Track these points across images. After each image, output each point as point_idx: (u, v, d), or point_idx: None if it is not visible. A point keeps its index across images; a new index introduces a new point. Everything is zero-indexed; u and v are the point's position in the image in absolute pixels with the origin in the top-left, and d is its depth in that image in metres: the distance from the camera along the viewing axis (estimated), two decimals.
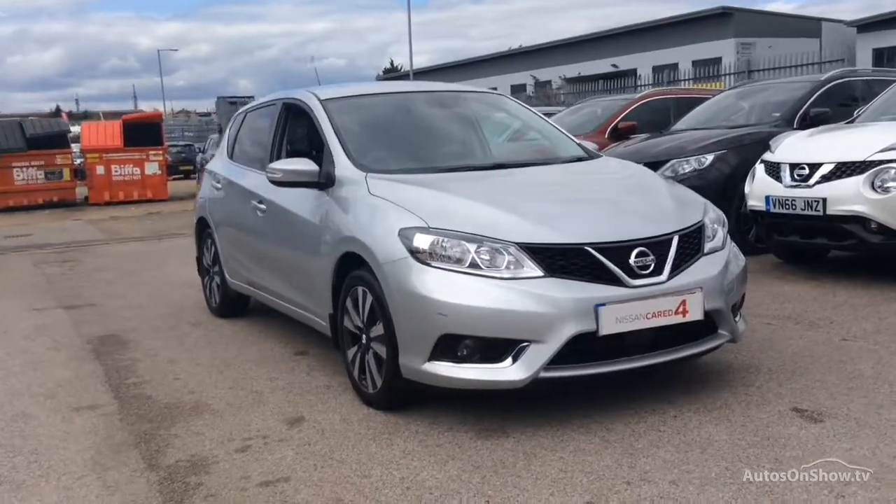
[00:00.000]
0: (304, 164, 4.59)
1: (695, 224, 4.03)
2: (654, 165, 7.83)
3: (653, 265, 3.74)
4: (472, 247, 3.65)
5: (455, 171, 4.61)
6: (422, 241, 3.72)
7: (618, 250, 3.71)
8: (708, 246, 4.05)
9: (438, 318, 3.62)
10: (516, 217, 3.85)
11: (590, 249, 3.67)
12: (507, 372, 3.60)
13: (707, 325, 3.97)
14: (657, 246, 3.80)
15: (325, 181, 4.52)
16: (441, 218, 3.83)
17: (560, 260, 3.66)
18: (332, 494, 3.24)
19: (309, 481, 3.36)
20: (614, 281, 3.66)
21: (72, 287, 8.55)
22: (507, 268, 3.62)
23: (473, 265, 3.61)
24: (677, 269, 3.82)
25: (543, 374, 3.60)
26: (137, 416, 4.30)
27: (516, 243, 3.66)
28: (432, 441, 3.70)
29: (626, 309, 3.63)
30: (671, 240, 3.85)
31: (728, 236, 4.32)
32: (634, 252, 3.72)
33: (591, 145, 5.33)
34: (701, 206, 4.26)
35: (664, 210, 4.11)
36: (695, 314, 3.79)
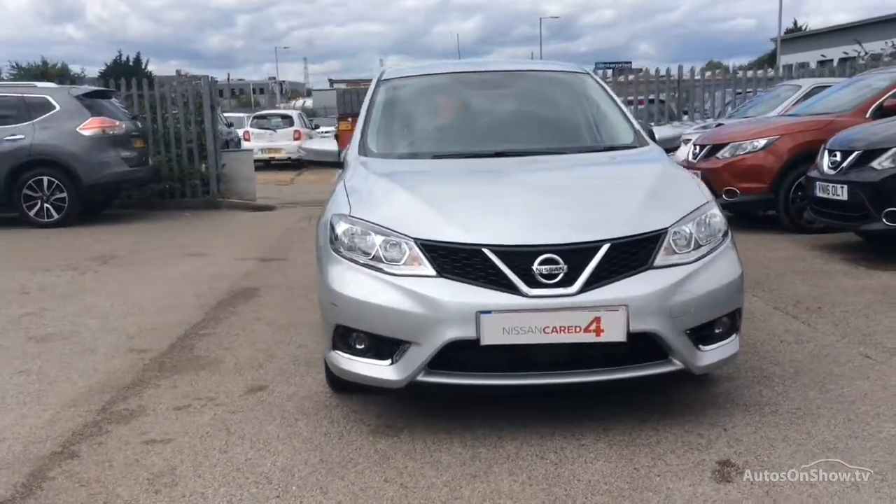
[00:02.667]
0: (326, 145, 4.71)
1: (644, 233, 3.47)
2: (872, 155, 6.75)
3: (562, 275, 3.33)
4: (378, 239, 3.54)
5: (453, 157, 4.44)
6: (340, 228, 3.69)
7: (521, 255, 3.36)
8: (666, 259, 3.48)
9: (332, 308, 3.60)
10: (433, 211, 3.63)
11: (487, 252, 3.36)
12: (386, 371, 3.48)
13: (655, 351, 3.45)
14: (574, 254, 3.36)
15: (342, 162, 4.60)
16: (366, 207, 3.76)
17: (454, 260, 3.41)
18: (176, 459, 3.43)
19: (187, 448, 3.57)
20: (510, 288, 3.32)
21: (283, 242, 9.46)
22: (406, 264, 3.47)
23: (377, 258, 3.51)
24: (599, 281, 3.34)
25: (422, 379, 3.42)
26: (164, 363, 4.81)
27: (415, 239, 3.48)
28: (325, 428, 3.72)
29: (517, 319, 3.29)
30: (597, 248, 3.38)
31: (722, 248, 3.65)
32: (539, 259, 3.33)
33: (668, 131, 4.77)
34: (682, 212, 3.63)
35: (615, 214, 3.58)
36: (613, 335, 3.31)
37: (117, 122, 11.45)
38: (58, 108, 11.12)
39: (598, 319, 3.30)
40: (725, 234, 3.75)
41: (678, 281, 3.44)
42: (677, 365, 3.47)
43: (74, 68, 19.47)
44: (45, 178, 10.97)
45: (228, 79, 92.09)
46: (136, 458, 3.45)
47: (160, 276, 7.45)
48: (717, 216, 3.76)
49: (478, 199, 3.85)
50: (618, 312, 3.30)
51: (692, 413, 3.74)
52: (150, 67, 50.36)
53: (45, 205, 11.04)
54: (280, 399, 4.09)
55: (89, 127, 11.07)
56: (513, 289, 3.32)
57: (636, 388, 3.91)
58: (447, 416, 3.74)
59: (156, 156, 13.09)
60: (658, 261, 3.46)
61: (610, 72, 16.32)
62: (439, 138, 4.82)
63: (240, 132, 24.30)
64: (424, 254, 3.44)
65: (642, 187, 3.87)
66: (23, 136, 10.92)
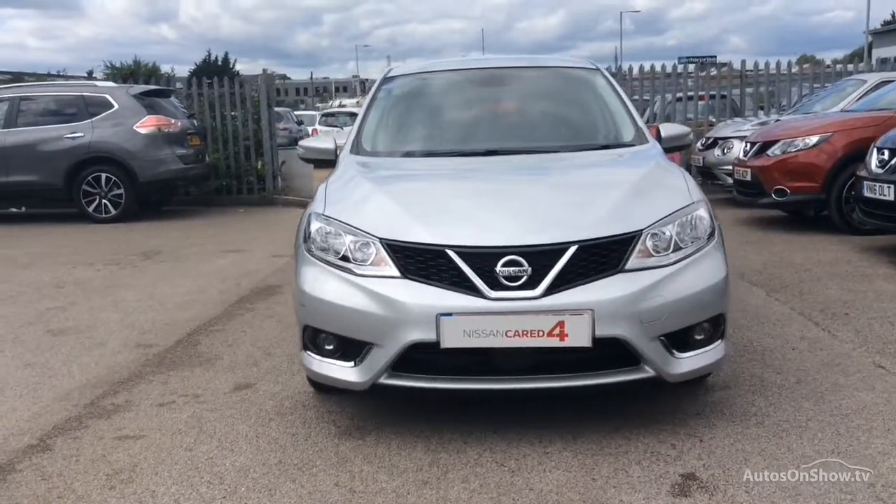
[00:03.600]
0: (323, 143, 4.69)
1: (615, 235, 3.34)
2: None
3: (525, 277, 3.23)
4: (348, 239, 3.50)
5: (443, 155, 4.38)
6: (313, 227, 3.67)
7: (483, 257, 3.27)
8: (640, 262, 3.34)
9: (301, 308, 3.58)
10: (401, 212, 3.57)
11: (450, 252, 3.29)
12: (350, 373, 3.44)
13: (626, 357, 3.33)
14: (539, 256, 3.25)
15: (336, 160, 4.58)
16: (341, 206, 3.72)
17: (418, 261, 3.34)
18: (141, 456, 3.45)
19: (155, 445, 3.59)
20: (473, 290, 3.24)
21: None
22: (373, 264, 3.42)
23: (346, 258, 3.47)
24: (565, 284, 3.23)
25: (385, 381, 3.37)
26: (165, 359, 4.87)
27: (381, 239, 3.43)
28: (294, 428, 3.71)
29: (479, 322, 3.20)
30: (563, 250, 3.26)
31: (705, 251, 3.49)
32: (502, 261, 3.24)
33: (674, 129, 4.62)
34: (661, 213, 3.47)
35: (588, 216, 3.45)
36: (577, 339, 3.20)
37: (173, 121, 11.71)
38: (116, 106, 11.43)
39: (561, 324, 3.19)
40: (711, 236, 3.59)
41: (650, 285, 3.30)
42: (648, 372, 3.33)
43: (165, 68, 19.97)
44: (104, 175, 11.30)
45: (311, 77, 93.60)
46: (104, 454, 3.49)
47: (193, 272, 7.57)
48: (703, 217, 3.60)
49: (449, 199, 3.77)
50: (583, 317, 3.19)
51: (672, 422, 3.59)
52: (238, 66, 51.62)
53: (103, 201, 11.36)
54: (262, 398, 4.09)
55: (146, 125, 11.34)
56: (475, 291, 3.23)
57: (610, 395, 3.78)
58: (419, 418, 3.68)
59: (214, 153, 13.34)
60: (630, 264, 3.33)
61: (692, 66, 15.78)
62: (433, 136, 4.75)
63: (309, 129, 24.60)
64: (389, 254, 3.38)
65: (624, 187, 3.72)
66: (82, 134, 11.26)
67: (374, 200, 3.74)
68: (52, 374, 4.59)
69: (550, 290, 3.22)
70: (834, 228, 8.46)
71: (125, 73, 16.41)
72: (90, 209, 11.36)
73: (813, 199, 8.58)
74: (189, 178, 12.25)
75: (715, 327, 3.51)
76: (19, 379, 4.53)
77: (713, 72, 15.13)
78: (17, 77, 41.28)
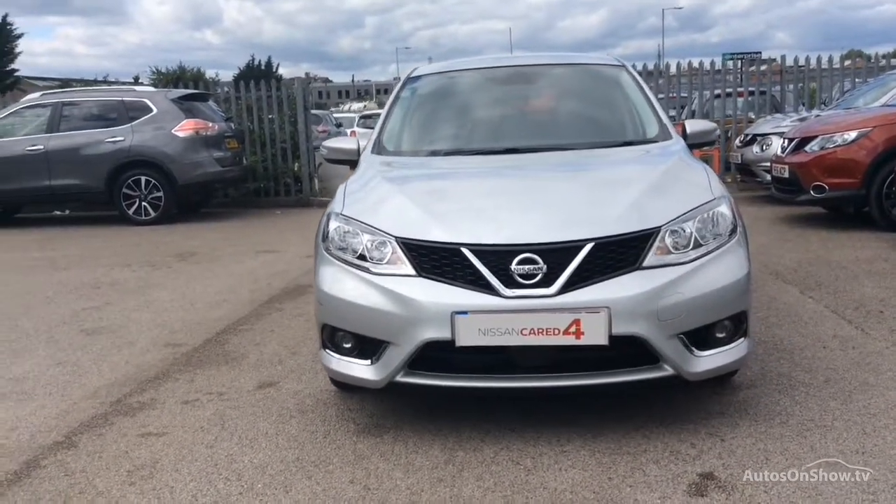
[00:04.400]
0: (346, 143, 4.71)
1: (633, 232, 3.30)
2: None
3: (541, 275, 3.21)
4: (366, 238, 3.51)
5: (464, 153, 4.38)
6: (332, 226, 3.69)
7: (499, 255, 3.25)
8: (659, 259, 3.30)
9: (320, 307, 3.60)
10: (418, 210, 3.57)
11: (465, 251, 3.28)
12: (367, 371, 3.45)
13: (645, 355, 3.29)
14: (555, 254, 3.23)
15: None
16: (359, 205, 3.73)
17: (433, 259, 3.34)
18: (162, 453, 3.49)
19: (177, 442, 3.64)
20: (488, 288, 3.23)
21: None
22: (389, 263, 3.42)
23: (363, 257, 3.48)
24: (581, 282, 3.20)
25: (401, 379, 3.37)
26: (192, 358, 4.92)
27: (396, 238, 3.43)
28: (314, 426, 3.72)
29: (494, 321, 3.19)
30: (579, 248, 3.23)
31: (726, 247, 3.44)
32: (517, 258, 3.22)
33: (700, 125, 4.55)
34: (681, 210, 3.42)
35: (605, 213, 3.41)
36: (593, 337, 3.17)
37: (210, 124, 11.85)
38: (155, 110, 11.60)
39: (577, 322, 3.17)
40: (733, 233, 3.53)
41: (668, 282, 3.26)
42: (668, 371, 3.29)
43: (209, 72, 20.24)
44: (143, 178, 11.47)
45: (353, 80, 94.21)
46: (127, 451, 3.54)
47: (226, 273, 7.65)
48: (724, 214, 3.54)
49: (465, 198, 3.77)
50: (599, 315, 3.16)
51: (694, 421, 3.54)
52: (281, 70, 52.12)
53: (143, 203, 11.54)
54: (285, 396, 4.11)
55: (184, 129, 11.50)
56: (490, 289, 3.22)
57: (632, 394, 3.72)
58: (438, 416, 3.68)
59: (252, 156, 13.47)
60: (648, 261, 3.29)
61: (738, 62, 15.52)
62: (454, 135, 4.74)
63: (348, 132, 24.71)
64: (405, 253, 3.38)
65: (644, 184, 3.68)
66: (122, 138, 11.45)
67: (390, 199, 3.75)
68: (82, 373, 4.67)
69: (566, 288, 3.20)
70: (874, 225, 8.29)
71: (170, 79, 16.66)
72: (130, 212, 11.54)
73: (852, 196, 8.40)
74: (226, 180, 12.38)
75: (737, 325, 3.46)
76: (50, 377, 4.61)
77: (762, 67, 14.84)
78: (64, 83, 42.01)
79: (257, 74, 36.56)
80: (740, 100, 13.69)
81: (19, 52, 51.78)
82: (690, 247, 3.38)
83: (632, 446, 3.32)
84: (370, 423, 3.69)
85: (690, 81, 14.01)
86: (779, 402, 3.72)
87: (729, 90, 13.68)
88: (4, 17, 51.29)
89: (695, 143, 4.57)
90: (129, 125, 11.54)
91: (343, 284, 3.48)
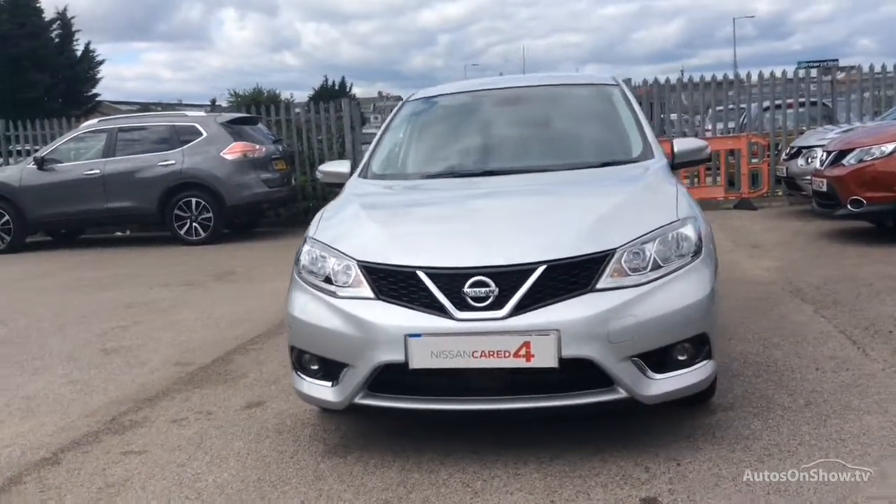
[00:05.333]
0: (339, 167, 4.82)
1: (586, 255, 3.31)
2: None
3: (493, 297, 3.25)
4: (332, 261, 3.61)
5: (443, 176, 4.45)
6: (303, 250, 3.80)
7: (452, 278, 3.31)
8: (614, 281, 3.30)
9: (289, 329, 3.71)
10: (380, 234, 3.67)
11: (420, 274, 3.35)
12: (328, 392, 3.54)
13: (600, 378, 3.30)
14: (507, 277, 3.27)
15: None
16: (329, 229, 3.85)
17: (391, 282, 3.41)
18: (136, 471, 3.64)
19: (153, 460, 3.77)
20: (441, 311, 3.29)
21: None
22: (352, 286, 3.52)
23: (329, 280, 3.58)
24: (533, 305, 3.24)
25: (360, 401, 3.45)
26: (195, 377, 5.09)
27: (358, 261, 3.52)
28: (285, 446, 3.82)
29: (445, 343, 3.25)
30: (531, 271, 3.27)
31: (687, 269, 3.42)
32: (469, 281, 3.27)
33: (688, 144, 4.54)
34: (640, 231, 3.42)
35: (561, 235, 3.43)
36: (543, 360, 3.20)
37: (258, 146, 12.17)
38: (205, 134, 11.97)
39: (527, 344, 3.20)
40: (696, 254, 3.51)
41: (621, 304, 3.26)
42: (622, 394, 3.28)
43: (285, 94, 20.82)
44: (194, 200, 11.83)
45: None
46: (104, 468, 3.69)
47: (257, 292, 7.84)
48: (687, 235, 3.53)
49: (427, 221, 3.85)
50: (549, 337, 3.18)
51: (657, 444, 3.51)
52: (356, 89, 52.91)
53: (194, 224, 11.89)
54: (268, 415, 4.22)
55: (232, 151, 11.83)
56: (443, 312, 3.27)
57: (588, 417, 3.70)
58: (407, 437, 3.73)
59: (301, 176, 13.76)
60: (602, 283, 3.30)
61: (814, 71, 15.20)
62: (437, 158, 4.83)
63: None
64: (366, 276, 3.46)
65: (607, 206, 3.70)
66: (174, 162, 11.85)
67: (358, 223, 3.84)
68: (89, 391, 4.87)
69: (517, 311, 3.23)
70: None
71: (247, 101, 17.10)
72: (181, 232, 11.91)
73: (890, 210, 8.17)
74: (274, 200, 12.66)
75: (698, 347, 3.43)
76: (59, 395, 4.82)
77: (839, 75, 14.44)
78: (143, 108, 43.30)
79: (331, 94, 37.21)
80: (791, 111, 13.38)
81: (101, 78, 53.77)
82: (649, 268, 3.37)
83: (586, 469, 3.32)
84: (339, 444, 3.77)
85: (761, 92, 13.59)
86: (750, 426, 3.66)
87: (778, 102, 13.37)
88: (87, 45, 53.34)
89: (684, 162, 4.54)
90: (180, 149, 11.93)
91: (309, 308, 3.58)
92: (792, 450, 3.39)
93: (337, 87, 51.41)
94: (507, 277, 3.26)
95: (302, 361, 3.66)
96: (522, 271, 3.27)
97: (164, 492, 3.39)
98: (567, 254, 3.32)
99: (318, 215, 4.10)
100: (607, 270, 3.31)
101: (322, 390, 3.57)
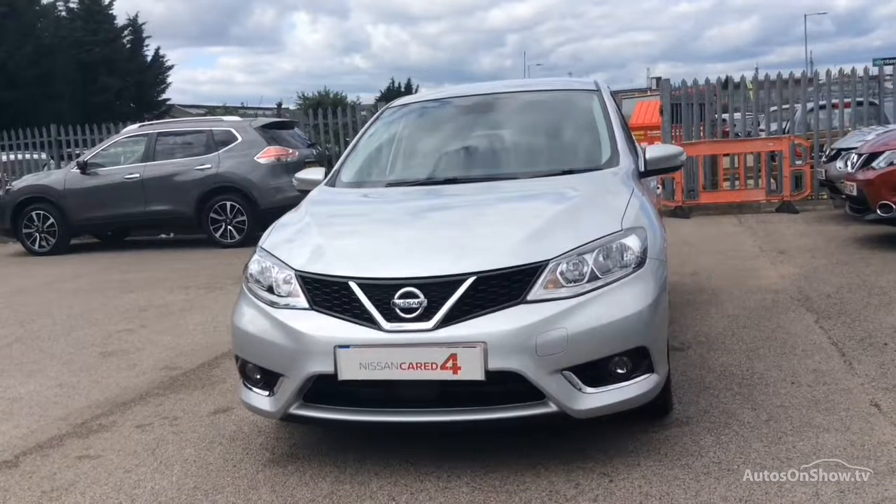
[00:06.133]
0: (313, 175, 4.83)
1: (518, 266, 3.25)
2: None
3: (421, 309, 3.22)
4: (275, 271, 3.62)
5: (403, 184, 4.42)
6: (252, 260, 3.82)
7: (382, 289, 3.29)
8: (546, 293, 3.23)
9: (234, 339, 3.73)
10: (320, 243, 3.67)
11: (352, 284, 3.34)
12: (265, 402, 3.55)
13: (532, 391, 3.24)
14: (435, 288, 3.23)
15: None
16: (277, 239, 3.87)
17: (325, 293, 3.41)
18: (83, 476, 3.69)
19: (104, 465, 3.83)
20: (371, 322, 3.27)
21: None
22: (290, 296, 3.52)
23: (271, 290, 3.59)
24: (461, 316, 3.19)
25: (294, 411, 3.45)
26: (177, 381, 5.14)
27: (296, 271, 3.52)
28: (233, 454, 3.84)
29: (373, 355, 3.23)
30: (460, 282, 3.22)
31: (626, 280, 3.34)
32: (399, 292, 3.25)
33: (659, 151, 4.42)
34: (578, 242, 3.34)
35: (495, 246, 3.38)
36: (470, 373, 3.15)
37: (291, 151, 12.30)
38: (240, 139, 12.16)
39: (454, 356, 3.16)
40: (639, 266, 3.41)
41: (550, 317, 3.19)
42: (552, 408, 3.21)
43: (352, 96, 21.22)
44: (228, 203, 12.01)
45: None
46: (56, 472, 3.76)
47: None
48: (629, 246, 3.43)
49: (367, 231, 3.86)
50: (475, 350, 3.13)
51: (596, 459, 3.43)
52: (422, 91, 53.28)
53: (228, 227, 12.08)
54: (230, 422, 4.25)
55: (265, 156, 11.99)
56: (372, 323, 3.25)
57: (518, 430, 3.63)
58: (352, 449, 3.71)
59: None
60: (534, 295, 3.23)
61: (889, 68, 14.65)
62: (400, 166, 4.81)
63: None
64: (302, 286, 3.46)
65: (550, 215, 3.64)
66: (210, 166, 12.06)
67: (303, 233, 3.84)
68: (73, 394, 4.97)
69: (445, 323, 3.19)
70: None
71: (314, 103, 17.33)
72: (217, 235, 12.11)
73: None
74: None
75: (636, 361, 3.33)
76: (43, 398, 4.94)
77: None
78: (210, 111, 44.17)
79: (397, 97, 37.50)
80: (839, 111, 12.94)
81: (170, 82, 55.14)
82: (586, 280, 3.30)
83: (516, 484, 3.25)
84: (285, 453, 3.76)
85: (842, 89, 13.09)
86: (699, 442, 3.54)
87: (823, 102, 12.95)
88: (157, 50, 54.68)
89: (656, 170, 4.42)
90: (216, 153, 12.14)
91: (250, 317, 3.59)
92: (733, 468, 3.27)
93: (403, 89, 51.79)
94: (436, 289, 3.22)
95: (245, 371, 3.67)
96: (451, 282, 3.23)
97: (101, 498, 3.44)
98: (497, 265, 3.26)
99: (273, 224, 4.11)
100: (539, 282, 3.25)
101: (261, 399, 3.57)
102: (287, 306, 3.47)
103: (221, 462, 3.72)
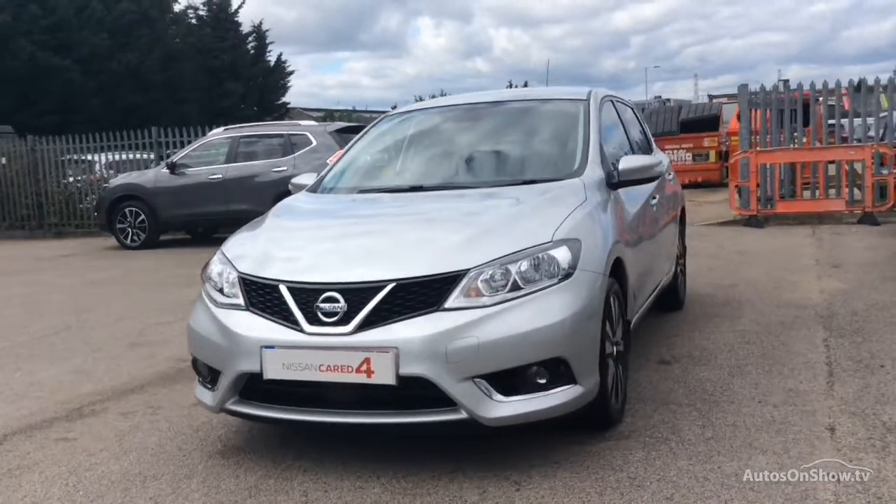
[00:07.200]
0: (305, 180, 5.01)
1: (437, 274, 3.32)
2: None
3: (341, 313, 3.33)
4: (226, 272, 3.81)
5: (374, 191, 4.54)
6: (212, 261, 4.02)
7: (307, 292, 3.43)
8: (465, 301, 3.29)
9: (188, 337, 3.94)
10: (264, 247, 3.84)
11: (282, 288, 3.49)
12: (208, 397, 3.73)
13: (446, 397, 3.30)
14: (356, 293, 3.34)
15: None
16: (236, 242, 4.06)
17: (260, 295, 3.57)
18: (49, 459, 3.95)
19: (72, 450, 4.07)
20: (295, 324, 3.42)
21: None
22: (233, 297, 3.70)
23: (221, 290, 3.79)
24: (380, 322, 3.29)
25: (230, 407, 3.62)
26: (180, 372, 5.30)
27: (238, 273, 3.70)
28: (192, 445, 4.03)
29: (295, 356, 3.36)
30: (379, 288, 3.32)
31: (548, 291, 3.35)
32: (322, 297, 3.38)
33: (634, 161, 4.38)
34: (503, 252, 3.40)
35: (418, 253, 3.47)
36: (383, 377, 3.25)
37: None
38: (314, 143, 12.54)
39: (368, 360, 3.26)
40: (566, 277, 3.41)
41: (463, 324, 3.24)
42: (462, 414, 3.26)
43: None
44: None
45: None
46: (29, 452, 4.04)
47: None
48: (556, 257, 3.44)
49: (307, 236, 4.06)
50: (388, 355, 3.22)
51: (514, 467, 3.44)
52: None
53: None
54: (203, 414, 4.42)
55: (335, 158, 12.29)
56: (297, 325, 3.38)
57: (434, 436, 3.70)
58: (301, 444, 3.86)
59: None
60: (451, 302, 3.30)
61: None
62: (375, 173, 4.94)
63: None
64: (241, 288, 3.63)
65: (484, 224, 3.70)
66: (285, 168, 12.47)
67: (255, 236, 4.02)
68: (84, 381, 5.30)
69: (362, 327, 3.29)
70: None
71: None
72: None
73: None
74: None
75: (554, 371, 3.34)
76: (56, 383, 5.29)
77: None
78: (328, 114, 45.40)
79: None
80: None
81: (290, 87, 56.96)
82: (507, 289, 3.33)
83: (426, 489, 3.31)
84: (234, 446, 3.93)
85: None
86: (628, 457, 3.51)
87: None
88: (279, 56, 56.60)
89: (631, 180, 4.37)
90: (291, 157, 12.55)
91: (200, 317, 3.80)
92: (645, 486, 3.23)
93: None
94: (357, 294, 3.33)
95: (196, 366, 3.86)
96: (371, 289, 3.33)
97: (53, 477, 3.69)
98: (417, 273, 3.33)
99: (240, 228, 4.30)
100: (458, 290, 3.30)
101: (205, 394, 3.76)
102: (228, 306, 3.64)
103: (175, 451, 3.92)
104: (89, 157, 16.90)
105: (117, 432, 4.24)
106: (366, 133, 5.24)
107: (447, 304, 3.28)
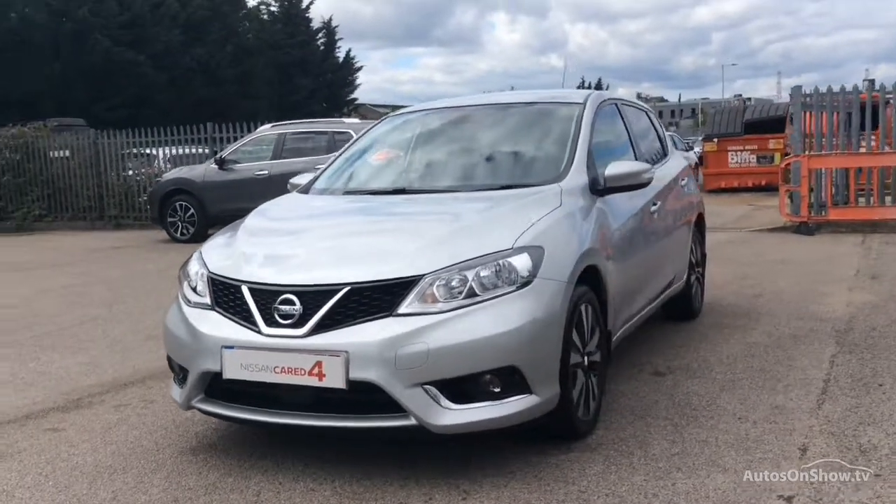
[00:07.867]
0: (301, 180, 5.07)
1: (392, 279, 3.33)
2: None
3: (297, 316, 3.38)
4: (201, 272, 3.89)
5: (358, 193, 4.57)
6: (191, 260, 4.11)
7: (266, 294, 3.47)
8: (418, 306, 3.30)
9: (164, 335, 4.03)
10: (234, 247, 3.90)
11: (244, 289, 3.54)
12: (177, 393, 3.82)
13: (394, 403, 3.32)
14: (312, 296, 3.38)
15: None
16: (215, 242, 4.13)
17: (224, 294, 3.63)
18: (32, 447, 4.07)
19: (58, 439, 4.19)
20: (254, 325, 3.47)
21: None
22: (202, 296, 3.78)
23: (195, 290, 3.87)
24: (334, 325, 3.32)
25: (196, 404, 3.69)
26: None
27: (208, 272, 3.77)
28: (168, 440, 4.11)
29: (252, 357, 3.41)
30: (334, 292, 3.35)
31: (505, 298, 3.34)
32: (279, 298, 3.42)
33: (622, 168, 4.32)
34: (461, 258, 3.39)
35: (377, 259, 3.47)
36: (333, 380, 3.27)
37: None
38: None
39: (319, 364, 3.29)
40: (525, 285, 3.38)
41: (414, 330, 3.25)
42: (411, 420, 3.26)
43: None
44: None
45: (679, 100, 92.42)
46: (17, 441, 4.18)
47: None
48: (514, 265, 3.42)
49: (274, 238, 4.11)
50: (338, 358, 3.25)
51: (467, 475, 3.43)
52: (620, 90, 53.13)
53: None
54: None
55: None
56: (255, 326, 3.43)
57: (387, 441, 3.71)
58: (262, 445, 3.91)
59: None
60: (405, 308, 3.30)
61: None
62: (363, 175, 4.95)
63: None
64: (209, 287, 3.70)
65: (446, 230, 3.71)
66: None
67: (233, 238, 4.07)
68: (90, 373, 5.46)
69: (316, 330, 3.32)
70: None
71: None
72: None
73: None
74: None
75: (507, 380, 3.31)
76: (65, 373, 5.47)
77: None
78: (394, 110, 45.54)
79: None
80: None
81: (359, 83, 57.60)
82: (464, 295, 3.32)
83: (375, 493, 3.32)
84: (207, 444, 4.00)
85: None
86: (586, 470, 3.46)
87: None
88: (348, 52, 57.24)
89: (618, 187, 4.30)
90: (334, 154, 12.64)
91: (172, 315, 3.88)
92: (591, 501, 3.17)
93: (594, 88, 51.63)
94: (312, 297, 3.36)
95: (171, 364, 3.94)
96: (326, 292, 3.35)
97: (31, 466, 3.81)
98: (371, 277, 3.35)
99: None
100: (412, 295, 3.31)
101: (176, 391, 3.85)
102: (198, 305, 3.72)
103: (151, 446, 4.00)
104: (150, 151, 17.34)
105: (105, 425, 4.35)
106: (364, 134, 5.27)
107: (400, 310, 3.29)
